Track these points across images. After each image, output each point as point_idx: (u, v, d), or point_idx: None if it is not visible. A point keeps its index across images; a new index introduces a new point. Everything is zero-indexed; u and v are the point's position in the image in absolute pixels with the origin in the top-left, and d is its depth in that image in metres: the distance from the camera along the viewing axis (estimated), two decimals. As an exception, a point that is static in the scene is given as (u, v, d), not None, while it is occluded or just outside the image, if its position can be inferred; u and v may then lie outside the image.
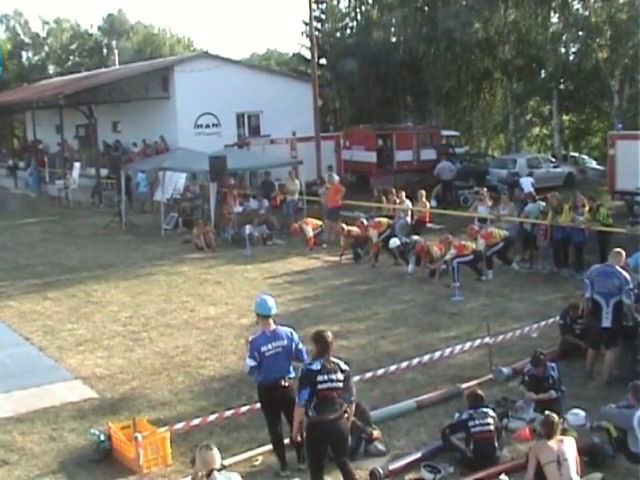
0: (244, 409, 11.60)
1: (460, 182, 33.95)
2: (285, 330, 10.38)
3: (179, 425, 11.17)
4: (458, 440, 10.51)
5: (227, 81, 41.44)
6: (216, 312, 18.40)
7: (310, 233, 25.47)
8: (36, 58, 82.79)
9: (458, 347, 13.81)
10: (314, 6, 44.49)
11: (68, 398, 13.40)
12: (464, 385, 12.60)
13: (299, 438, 9.42)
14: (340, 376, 9.18)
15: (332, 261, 23.86)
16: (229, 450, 10.71)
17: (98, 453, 10.94)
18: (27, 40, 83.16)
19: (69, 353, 15.85)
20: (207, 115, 42.23)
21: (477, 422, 10.40)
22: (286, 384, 10.13)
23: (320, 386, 9.04)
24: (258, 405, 10.81)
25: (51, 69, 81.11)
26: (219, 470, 8.12)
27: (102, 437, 11.03)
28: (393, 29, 52.02)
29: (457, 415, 10.79)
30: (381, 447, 10.80)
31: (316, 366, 9.14)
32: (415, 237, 22.10)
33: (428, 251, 20.78)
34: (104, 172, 40.48)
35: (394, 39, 52.21)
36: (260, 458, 10.76)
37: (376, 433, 10.91)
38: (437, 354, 13.62)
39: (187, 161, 30.64)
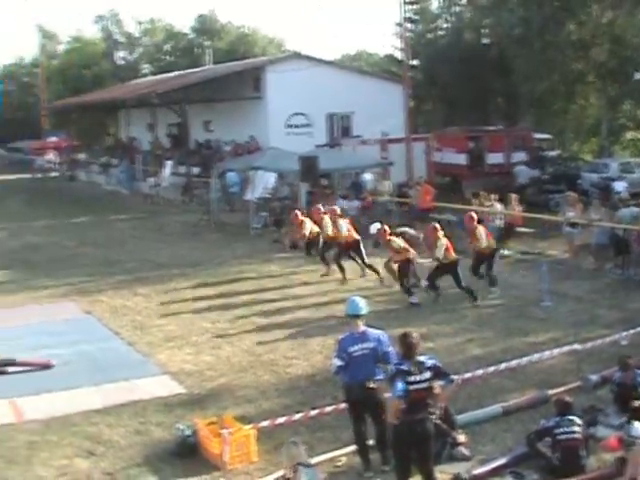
0: (329, 409, 11.57)
1: (551, 186, 33.39)
2: (375, 332, 10.29)
3: (265, 423, 11.18)
4: (544, 447, 10.28)
5: (318, 82, 41.51)
6: (304, 312, 18.40)
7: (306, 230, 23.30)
8: (130, 57, 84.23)
9: (546, 353, 13.57)
10: (406, 7, 44.24)
11: (156, 393, 13.53)
12: (551, 391, 12.33)
13: (395, 420, 9.24)
14: (427, 375, 9.07)
15: (422, 262, 23.63)
16: (313, 449, 10.65)
17: (183, 448, 10.99)
18: (121, 40, 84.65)
19: (158, 348, 16.03)
20: (298, 115, 42.39)
21: (564, 429, 10.17)
22: (372, 386, 10.04)
23: (409, 387, 8.95)
24: (343, 405, 10.74)
25: (144, 68, 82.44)
26: (306, 466, 8.11)
27: (188, 432, 11.08)
28: (485, 30, 51.55)
29: (543, 422, 10.57)
30: (466, 452, 10.63)
31: (406, 367, 9.04)
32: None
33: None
34: (195, 170, 40.91)
35: (486, 40, 51.71)
36: (344, 459, 10.69)
37: (461, 437, 10.75)
38: (524, 359, 13.42)
39: (278, 161, 30.75)
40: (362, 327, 10.26)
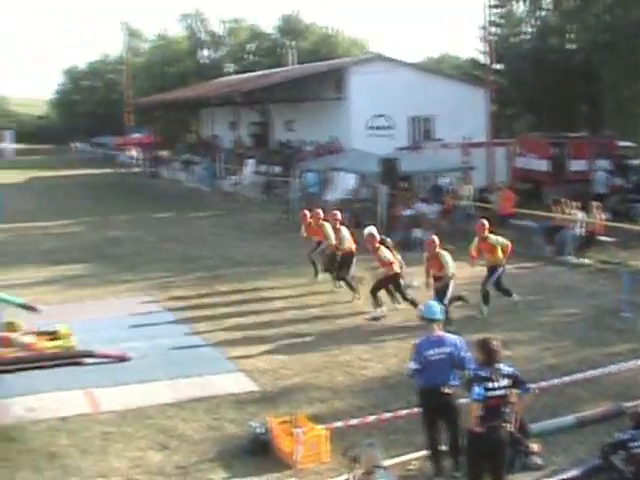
0: (403, 412, 11.49)
1: (634, 195, 32.76)
2: (452, 337, 10.22)
3: (338, 423, 11.16)
4: (618, 460, 10.06)
5: (400, 84, 41.41)
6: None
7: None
8: (214, 56, 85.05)
9: (624, 364, 13.29)
10: (490, 10, 43.81)
11: (230, 389, 13.61)
12: (627, 404, 12.07)
13: (478, 428, 9.13)
14: (505, 382, 8.95)
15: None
16: (385, 452, 10.57)
17: (255, 445, 11.02)
18: (206, 39, 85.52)
19: (233, 345, 16.12)
20: (380, 117, 42.31)
21: (639, 443, 9.93)
22: (448, 391, 9.96)
23: (486, 393, 8.84)
24: (417, 409, 10.66)
25: (228, 67, 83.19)
26: (381, 469, 8.07)
27: (261, 430, 11.10)
28: (570, 35, 50.81)
29: (618, 434, 10.34)
30: (539, 461, 10.47)
31: (484, 373, 8.94)
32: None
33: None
34: (276, 169, 41.10)
35: (571, 46, 50.96)
36: (416, 463, 10.61)
37: (535, 447, 10.59)
38: (601, 370, 13.16)
39: (358, 162, 30.74)
40: (439, 332, 10.19)
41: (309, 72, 47.42)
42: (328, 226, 21.13)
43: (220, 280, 22.16)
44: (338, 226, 20.89)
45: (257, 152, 47.23)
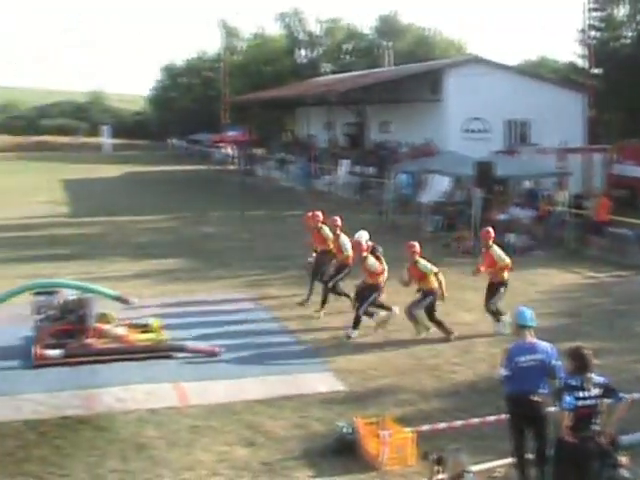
0: (491, 418, 11.39)
1: None
2: (544, 344, 10.07)
3: (425, 427, 11.11)
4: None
5: (497, 87, 41.11)
6: (471, 318, 18.17)
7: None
8: (310, 56, 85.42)
9: None
10: (590, 14, 43.17)
11: (318, 388, 13.67)
12: None
13: (567, 438, 9.01)
14: (596, 392, 8.82)
15: (593, 277, 23.05)
16: (471, 458, 10.51)
17: (341, 445, 11.04)
18: (303, 38, 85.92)
19: (323, 345, 16.20)
20: (476, 120, 42.01)
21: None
22: (537, 399, 9.82)
23: (577, 403, 8.73)
24: (505, 416, 10.55)
25: (324, 67, 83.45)
26: (470, 474, 8.05)
27: (347, 430, 11.13)
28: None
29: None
30: (628, 475, 10.25)
31: (575, 382, 8.82)
32: None
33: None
34: (371, 170, 41.10)
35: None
36: (501, 470, 10.50)
37: (624, 459, 10.36)
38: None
39: (453, 165, 30.54)
40: (531, 338, 10.06)
41: (405, 73, 47.37)
42: (327, 229, 19.69)
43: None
44: (338, 232, 19.23)
45: (352, 152, 47.29)
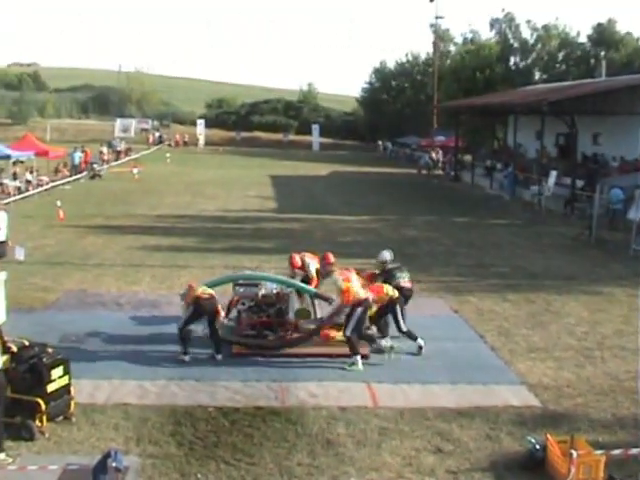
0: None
1: None
2: None
3: (617, 451, 10.76)
4: None
5: None
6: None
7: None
8: (523, 63, 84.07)
9: None
10: None
11: (510, 401, 13.48)
12: None
13: None
14: None
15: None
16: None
17: (530, 461, 10.88)
18: (516, 45, 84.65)
19: (519, 358, 15.95)
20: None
21: None
22: None
23: None
24: None
25: (536, 75, 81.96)
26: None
27: (537, 447, 10.95)
28: None
29: None
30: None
31: None
32: None
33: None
34: (579, 183, 40.12)
35: None
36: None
37: None
38: None
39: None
40: None
41: (619, 85, 45.88)
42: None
43: (512, 289, 21.95)
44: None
45: (561, 164, 46.28)
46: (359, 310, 15.25)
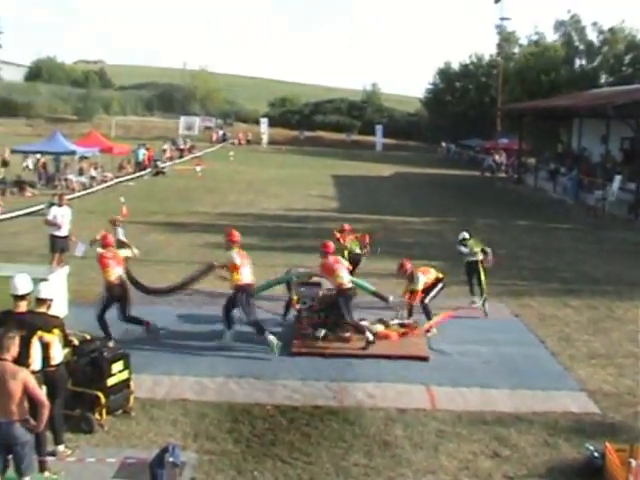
0: None
1: None
2: None
3: (678, 461, 10.62)
4: None
5: None
6: None
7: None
8: (588, 66, 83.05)
9: None
10: None
11: (570, 408, 13.35)
12: None
13: None
14: None
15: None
16: None
17: (588, 469, 10.78)
18: (581, 47, 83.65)
19: (580, 364, 15.77)
20: None
21: None
22: None
23: None
24: None
25: (602, 78, 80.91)
26: None
27: (596, 454, 10.85)
28: None
29: None
30: None
31: None
32: None
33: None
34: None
35: None
36: None
37: None
38: None
39: None
40: None
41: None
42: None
43: (573, 295, 21.74)
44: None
45: (625, 168, 45.68)
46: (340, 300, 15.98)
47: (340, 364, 14.98)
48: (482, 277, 19.39)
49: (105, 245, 16.31)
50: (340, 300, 16.01)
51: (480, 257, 19.56)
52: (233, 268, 15.85)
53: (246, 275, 15.93)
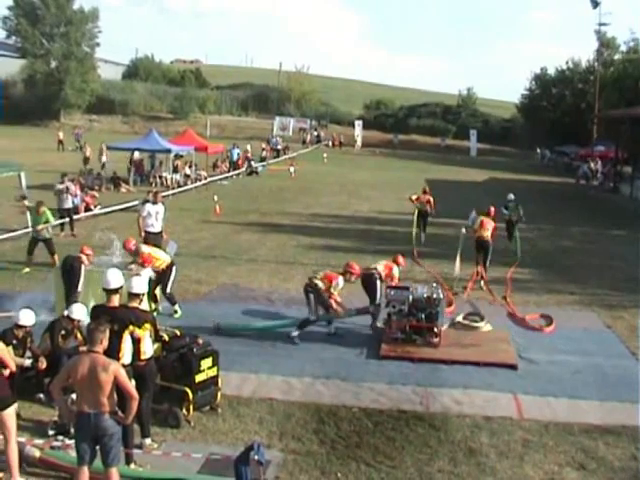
0: None
1: None
2: None
3: None
4: None
5: None
6: None
7: None
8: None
9: None
10: None
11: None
12: None
13: None
14: None
15: None
16: None
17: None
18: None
19: None
20: None
21: None
22: None
23: None
24: None
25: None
26: None
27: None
28: None
29: None
30: None
31: None
32: None
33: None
34: None
35: None
36: None
37: None
38: None
39: None
40: None
41: None
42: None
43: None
44: None
45: None
46: None
47: (428, 369, 14.97)
48: (516, 233, 27.59)
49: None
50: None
51: (514, 218, 28.10)
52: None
53: None
